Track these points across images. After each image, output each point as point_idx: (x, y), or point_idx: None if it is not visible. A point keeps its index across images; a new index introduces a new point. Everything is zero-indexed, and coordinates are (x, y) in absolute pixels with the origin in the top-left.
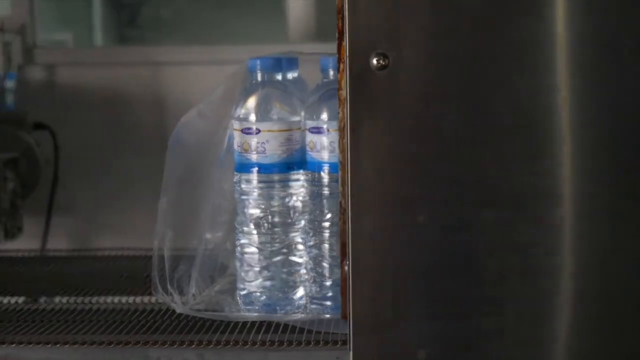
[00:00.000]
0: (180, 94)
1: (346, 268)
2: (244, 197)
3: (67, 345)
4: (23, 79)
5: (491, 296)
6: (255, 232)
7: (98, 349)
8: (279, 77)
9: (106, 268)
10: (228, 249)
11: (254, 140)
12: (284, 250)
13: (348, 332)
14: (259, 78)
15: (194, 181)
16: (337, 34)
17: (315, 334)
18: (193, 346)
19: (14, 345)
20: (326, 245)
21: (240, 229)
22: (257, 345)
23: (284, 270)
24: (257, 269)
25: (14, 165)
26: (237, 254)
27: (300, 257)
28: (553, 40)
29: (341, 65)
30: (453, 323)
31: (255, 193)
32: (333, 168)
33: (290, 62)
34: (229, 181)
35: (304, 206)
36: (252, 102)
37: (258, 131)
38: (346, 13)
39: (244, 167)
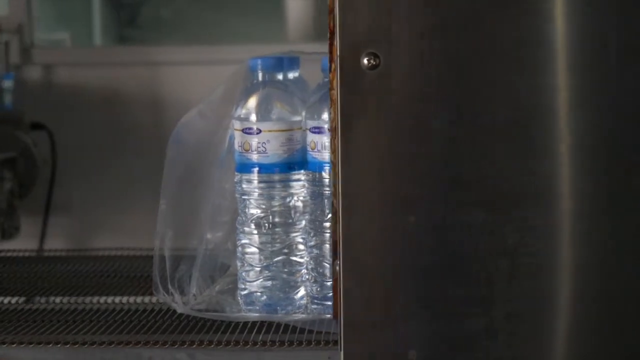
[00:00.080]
0: (179, 94)
1: (337, 268)
2: (244, 197)
3: (67, 345)
4: (21, 79)
5: (486, 296)
6: (256, 232)
7: (95, 349)
8: (280, 76)
9: (104, 268)
10: (229, 249)
11: (254, 140)
12: (285, 250)
13: (339, 332)
14: (260, 78)
15: (194, 181)
16: (328, 34)
17: (316, 334)
18: (185, 346)
19: (8, 345)
20: (327, 246)
21: (241, 229)
22: (249, 345)
23: (285, 270)
24: (258, 269)
25: (11, 165)
26: (237, 254)
27: (301, 257)
28: (551, 39)
29: (332, 65)
30: (445, 323)
31: (256, 193)
32: None
33: (292, 62)
34: (229, 181)
35: (304, 206)
36: (253, 102)
37: (259, 131)
38: (337, 12)
39: (245, 167)
